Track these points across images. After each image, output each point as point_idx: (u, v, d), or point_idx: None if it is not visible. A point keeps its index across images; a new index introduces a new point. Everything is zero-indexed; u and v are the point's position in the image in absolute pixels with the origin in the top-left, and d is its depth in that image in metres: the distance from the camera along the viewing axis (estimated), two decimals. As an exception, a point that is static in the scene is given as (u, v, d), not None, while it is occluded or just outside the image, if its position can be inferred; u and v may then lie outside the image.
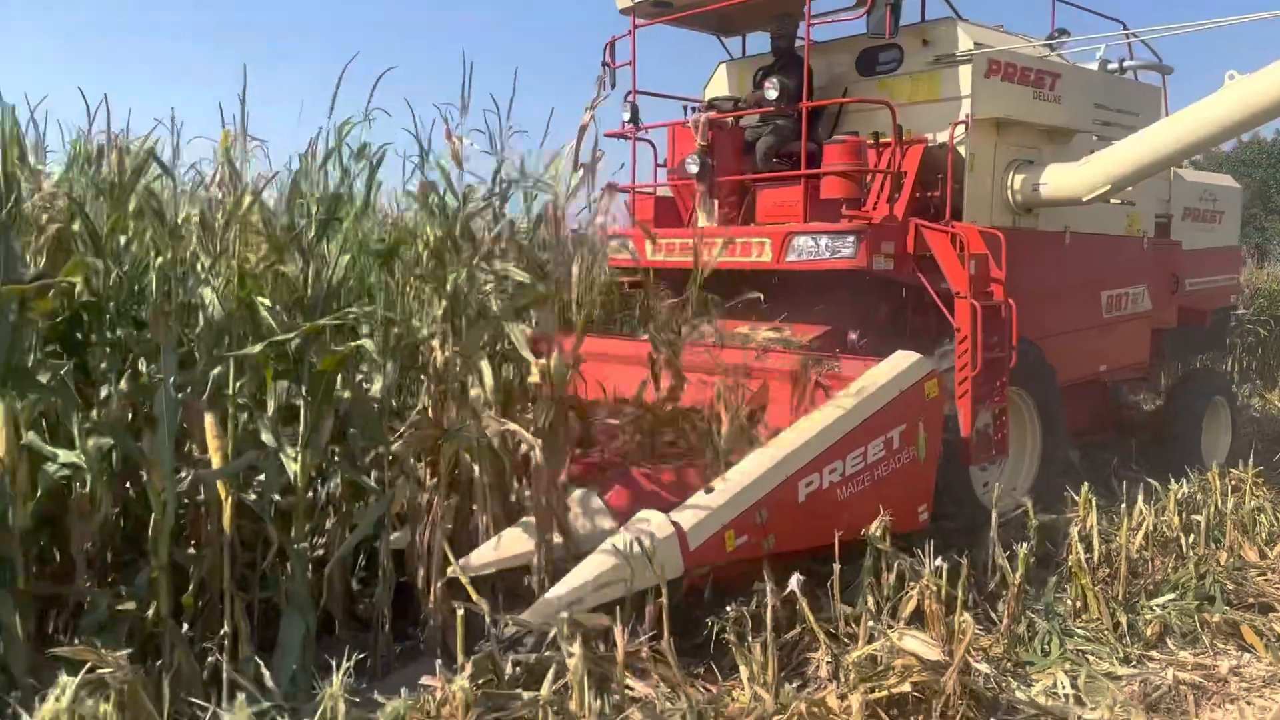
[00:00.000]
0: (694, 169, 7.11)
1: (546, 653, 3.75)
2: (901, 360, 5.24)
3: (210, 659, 3.74)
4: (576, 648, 3.45)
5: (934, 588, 4.29)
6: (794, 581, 4.01)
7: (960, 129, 6.64)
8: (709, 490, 4.55)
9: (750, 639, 3.97)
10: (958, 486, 5.94)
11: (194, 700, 3.46)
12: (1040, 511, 5.58)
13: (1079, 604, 4.92)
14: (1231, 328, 11.44)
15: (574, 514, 4.64)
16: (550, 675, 3.51)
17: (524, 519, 4.50)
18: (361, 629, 4.35)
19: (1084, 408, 7.82)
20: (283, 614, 3.93)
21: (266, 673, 3.59)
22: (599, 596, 4.09)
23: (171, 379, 3.58)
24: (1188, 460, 7.69)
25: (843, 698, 3.74)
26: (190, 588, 3.83)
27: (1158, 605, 5.02)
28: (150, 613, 3.68)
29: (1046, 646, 4.58)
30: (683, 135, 7.47)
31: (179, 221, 3.97)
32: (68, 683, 2.84)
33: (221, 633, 3.79)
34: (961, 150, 6.66)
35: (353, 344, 4.11)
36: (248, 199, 3.96)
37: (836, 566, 4.42)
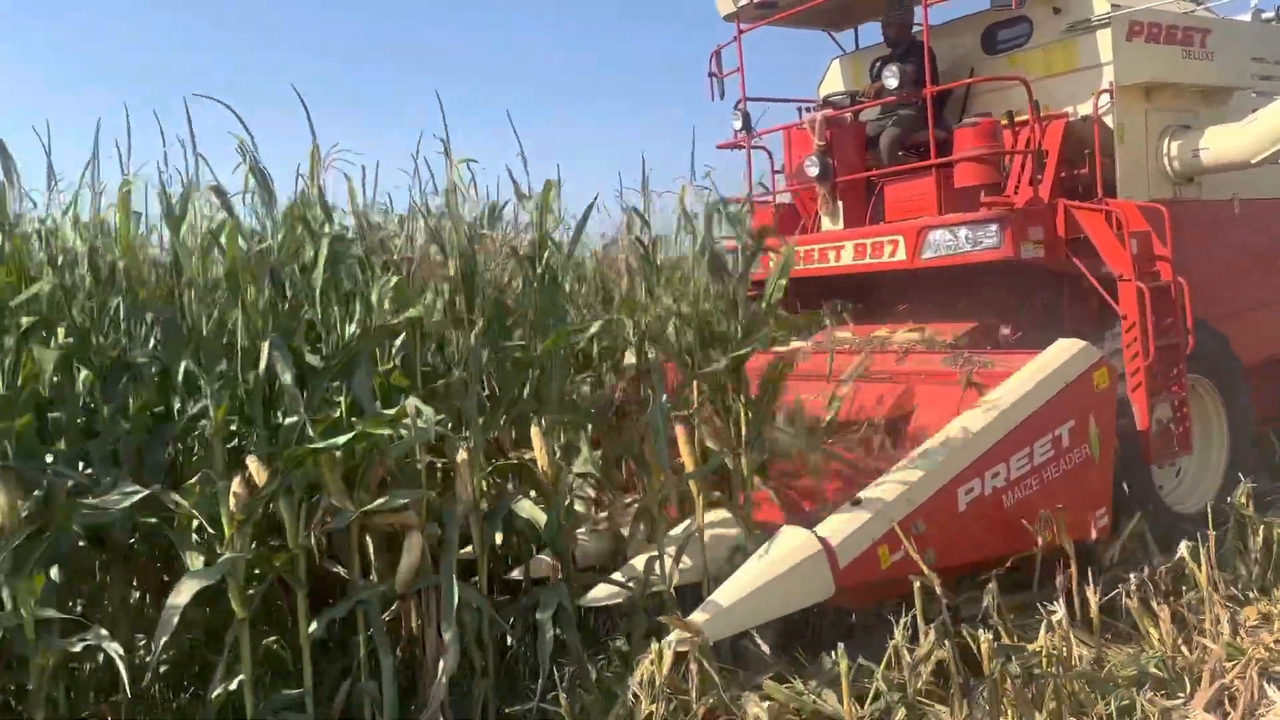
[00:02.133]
0: (814, 170, 6.72)
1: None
2: (1065, 349, 4.75)
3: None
4: (1060, 605, 3.98)
5: None
6: (1183, 548, 4.42)
7: (1104, 98, 6.10)
8: (856, 502, 4.13)
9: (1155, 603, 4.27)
10: (1139, 488, 5.33)
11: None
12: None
13: None
14: None
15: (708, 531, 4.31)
16: (1043, 629, 3.91)
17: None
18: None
19: (1273, 391, 7.04)
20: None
21: None
22: (744, 621, 3.78)
23: (664, 396, 4.25)
24: None
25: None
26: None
27: None
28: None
29: None
30: (799, 138, 7.08)
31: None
32: (661, 646, 3.52)
33: None
34: (1108, 121, 6.11)
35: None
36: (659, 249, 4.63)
37: (1211, 533, 4.65)
